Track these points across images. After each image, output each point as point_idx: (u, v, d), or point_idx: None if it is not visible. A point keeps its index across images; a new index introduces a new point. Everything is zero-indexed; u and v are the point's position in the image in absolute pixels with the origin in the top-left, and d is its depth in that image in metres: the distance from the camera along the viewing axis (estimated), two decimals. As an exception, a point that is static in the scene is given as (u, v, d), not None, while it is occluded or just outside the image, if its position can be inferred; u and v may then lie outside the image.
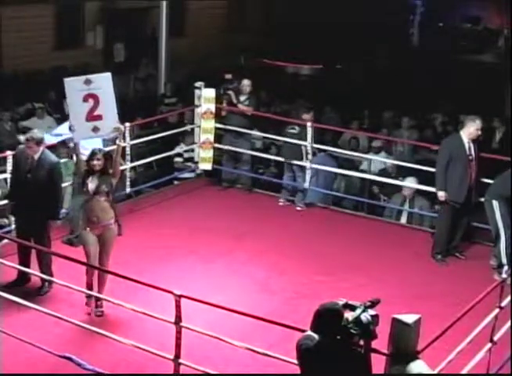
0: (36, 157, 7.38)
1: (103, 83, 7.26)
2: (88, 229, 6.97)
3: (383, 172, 11.11)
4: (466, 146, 8.51)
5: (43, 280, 7.38)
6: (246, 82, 10.73)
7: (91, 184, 6.90)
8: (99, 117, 7.18)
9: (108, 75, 7.37)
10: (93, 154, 6.95)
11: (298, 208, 10.26)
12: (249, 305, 7.12)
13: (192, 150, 11.08)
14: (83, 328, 6.09)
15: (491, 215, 8.24)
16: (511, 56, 19.29)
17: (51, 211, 7.46)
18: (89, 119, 7.15)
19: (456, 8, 25.25)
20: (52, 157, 7.55)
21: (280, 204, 10.37)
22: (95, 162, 6.90)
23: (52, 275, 7.30)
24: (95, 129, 7.20)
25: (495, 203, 8.17)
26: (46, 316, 6.31)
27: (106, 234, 7.01)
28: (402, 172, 10.57)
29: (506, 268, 8.15)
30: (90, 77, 7.28)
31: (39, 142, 7.37)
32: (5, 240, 7.62)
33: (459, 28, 25.39)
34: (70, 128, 7.16)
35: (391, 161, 11.24)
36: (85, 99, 7.14)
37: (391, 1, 23.64)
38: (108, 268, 6.95)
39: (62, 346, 6.26)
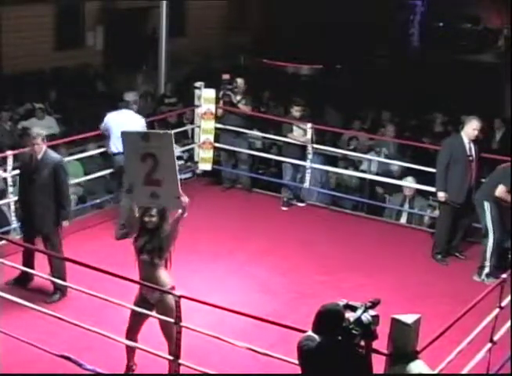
0: (39, 156, 7.38)
1: (163, 142, 5.97)
2: (146, 295, 5.98)
3: (387, 173, 11.09)
4: (467, 146, 8.51)
5: (55, 288, 7.37)
6: (239, 81, 10.76)
7: (141, 242, 5.98)
8: (158, 183, 5.96)
9: (170, 134, 6.03)
10: (147, 210, 5.97)
11: (284, 208, 10.27)
12: (249, 305, 7.13)
13: (189, 151, 11.10)
14: (83, 328, 6.08)
15: (482, 215, 8.25)
16: (511, 56, 19.30)
17: (59, 212, 7.44)
18: (147, 183, 5.98)
19: (456, 8, 25.24)
20: (55, 156, 7.55)
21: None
22: (147, 219, 5.94)
23: (65, 281, 7.20)
24: (154, 196, 5.97)
25: (486, 204, 8.17)
26: (46, 316, 6.32)
27: (162, 305, 5.93)
28: (403, 173, 10.58)
29: (486, 270, 8.17)
30: (149, 133, 6.24)
31: (44, 138, 7.40)
32: (4, 241, 7.62)
33: (459, 28, 25.39)
34: (127, 190, 6.21)
35: (390, 161, 11.22)
36: (143, 159, 5.97)
37: (391, 1, 23.65)
38: (172, 347, 5.88)
39: (62, 346, 6.27)
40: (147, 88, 15.23)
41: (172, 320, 5.79)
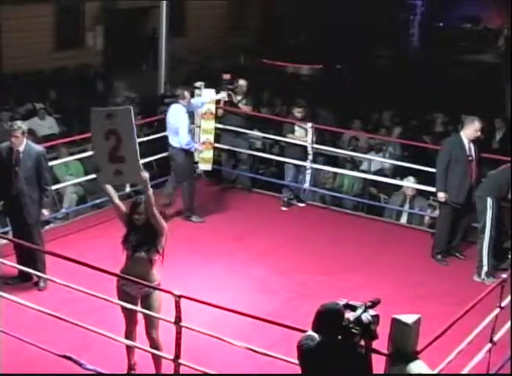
0: (21, 149, 7.45)
1: (123, 118, 6.00)
2: (125, 288, 5.98)
3: (380, 172, 11.10)
4: (467, 146, 8.50)
5: (38, 276, 7.44)
6: (242, 82, 10.80)
7: (132, 239, 5.93)
8: (121, 159, 5.97)
9: (128, 109, 6.11)
10: (135, 206, 5.92)
11: (284, 209, 10.27)
12: (249, 305, 7.13)
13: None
14: (83, 328, 6.08)
15: (482, 211, 8.21)
16: (511, 55, 19.30)
17: (42, 200, 7.57)
18: (112, 160, 5.98)
19: (456, 8, 25.27)
20: (37, 147, 7.68)
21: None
22: (136, 216, 5.90)
23: (44, 268, 7.41)
24: (118, 173, 5.99)
25: (489, 200, 8.15)
26: (46, 316, 6.31)
27: (147, 300, 5.97)
28: (399, 172, 10.59)
29: (485, 269, 8.16)
30: (112, 110, 6.20)
31: (24, 132, 7.47)
32: (4, 240, 7.64)
33: (459, 28, 25.41)
34: (94, 169, 6.21)
35: (390, 161, 11.24)
36: (107, 136, 5.98)
37: (391, 1, 23.68)
38: (159, 343, 5.99)
39: (62, 346, 6.27)
40: (128, 94, 15.01)
41: (156, 315, 5.86)
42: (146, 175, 5.97)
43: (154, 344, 6.00)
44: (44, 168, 7.58)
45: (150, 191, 5.90)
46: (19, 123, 7.64)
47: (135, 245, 5.92)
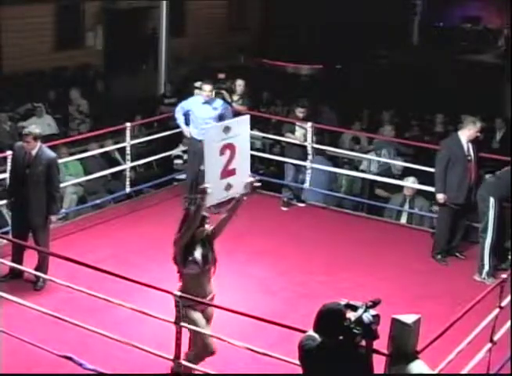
0: (33, 152, 7.49)
1: (241, 128, 5.82)
2: (196, 307, 5.80)
3: (387, 172, 11.08)
4: (465, 146, 8.50)
5: (37, 276, 7.45)
6: (239, 82, 10.81)
7: (198, 254, 5.72)
8: (233, 172, 5.80)
9: (246, 118, 5.92)
10: (204, 219, 5.73)
11: (284, 209, 10.27)
12: (249, 305, 7.13)
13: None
14: (83, 328, 6.08)
15: (484, 211, 8.20)
16: (511, 55, 19.30)
17: (50, 206, 7.58)
18: (223, 176, 5.78)
19: (456, 8, 25.26)
20: (50, 153, 7.67)
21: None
22: (201, 228, 5.74)
23: (46, 270, 7.43)
24: (228, 187, 5.81)
25: (491, 200, 8.14)
26: (46, 316, 6.32)
27: (209, 309, 5.91)
28: (408, 173, 10.59)
29: (486, 268, 8.16)
30: (228, 123, 5.97)
31: (37, 137, 7.49)
32: (4, 241, 7.65)
33: (459, 28, 25.40)
34: (201, 192, 5.75)
35: (391, 161, 11.23)
36: (222, 152, 5.75)
37: (391, 1, 23.67)
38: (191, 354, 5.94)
39: (62, 346, 6.27)
40: (80, 104, 14.70)
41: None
42: (253, 179, 5.86)
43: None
44: (54, 175, 7.57)
45: (244, 197, 5.75)
46: (31, 127, 7.67)
47: (202, 259, 5.75)
